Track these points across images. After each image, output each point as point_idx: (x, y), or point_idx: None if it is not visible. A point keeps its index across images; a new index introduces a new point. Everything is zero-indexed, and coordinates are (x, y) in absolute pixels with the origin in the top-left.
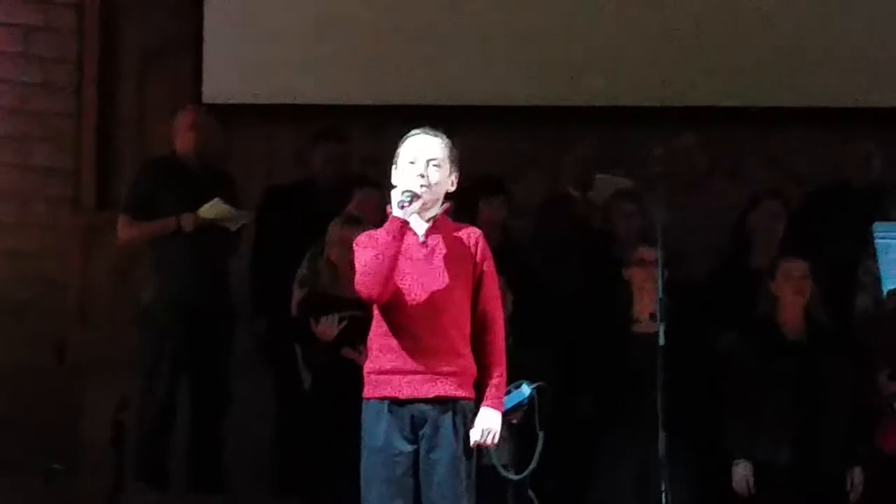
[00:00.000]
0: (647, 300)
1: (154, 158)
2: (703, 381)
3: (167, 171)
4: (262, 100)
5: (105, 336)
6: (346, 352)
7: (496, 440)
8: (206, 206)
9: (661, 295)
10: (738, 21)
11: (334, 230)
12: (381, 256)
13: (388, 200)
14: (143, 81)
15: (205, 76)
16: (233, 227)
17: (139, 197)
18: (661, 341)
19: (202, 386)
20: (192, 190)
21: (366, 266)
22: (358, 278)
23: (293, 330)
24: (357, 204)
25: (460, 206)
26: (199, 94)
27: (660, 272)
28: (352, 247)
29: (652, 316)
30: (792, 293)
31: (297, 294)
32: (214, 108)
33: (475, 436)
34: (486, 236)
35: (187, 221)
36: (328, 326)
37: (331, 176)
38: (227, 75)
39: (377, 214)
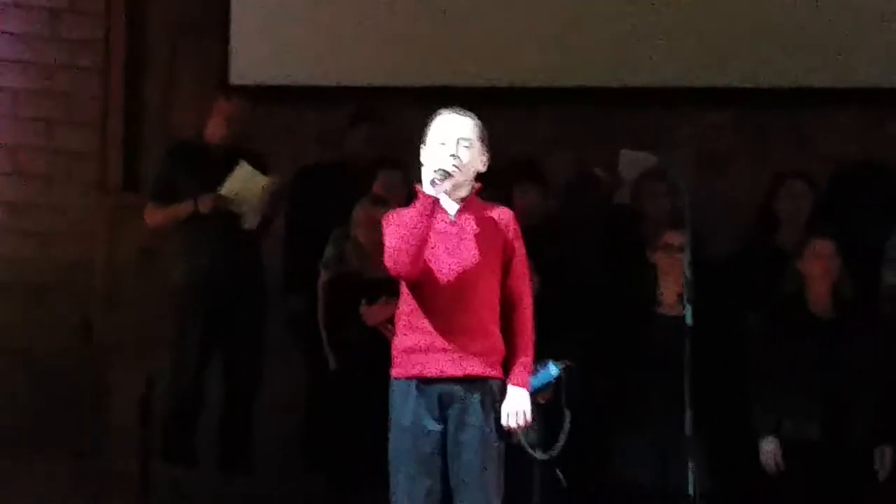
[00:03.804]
0: (673, 283)
1: (179, 143)
2: (730, 361)
3: (193, 156)
4: (290, 81)
5: (132, 318)
6: (383, 328)
7: (528, 420)
8: (232, 174)
9: (687, 277)
10: (762, 1)
11: (360, 210)
12: (411, 234)
13: (413, 181)
14: (170, 63)
15: (232, 58)
16: (255, 202)
17: (165, 182)
18: (689, 321)
19: (231, 366)
20: (218, 174)
21: (396, 243)
22: (387, 255)
23: (321, 310)
24: (382, 184)
25: (494, 188)
26: (226, 75)
27: (687, 254)
28: (378, 227)
29: (679, 297)
30: (820, 272)
31: (324, 275)
32: (241, 90)
33: (505, 420)
34: (519, 219)
35: (204, 203)
36: (380, 309)
37: (363, 157)
38: (255, 57)
39: (402, 195)
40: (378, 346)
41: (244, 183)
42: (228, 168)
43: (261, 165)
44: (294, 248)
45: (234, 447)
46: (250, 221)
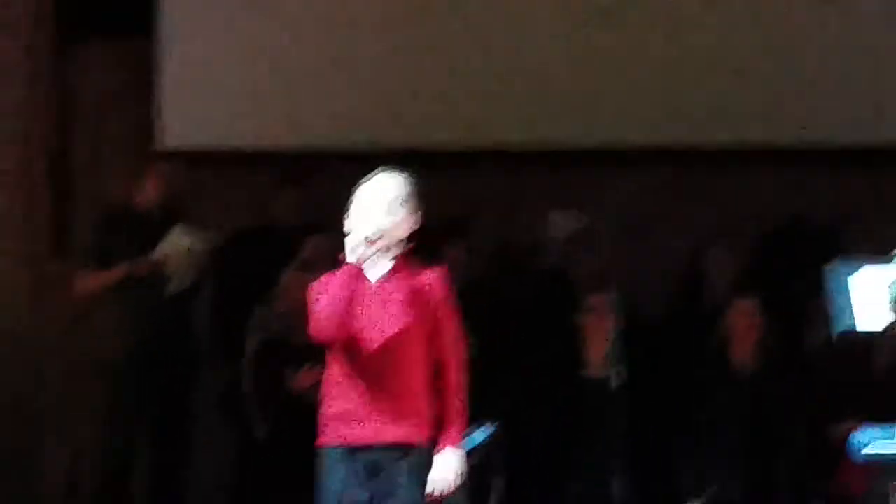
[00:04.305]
0: (598, 345)
1: (111, 209)
2: (656, 422)
3: (125, 222)
4: (218, 145)
5: (59, 391)
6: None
7: (458, 483)
8: (165, 239)
9: (612, 339)
10: (690, 60)
11: (288, 276)
12: (335, 301)
13: (342, 247)
14: (96, 129)
15: (159, 122)
16: (182, 270)
17: (97, 249)
18: (614, 385)
19: (160, 436)
20: (150, 239)
21: (320, 311)
22: (313, 324)
23: (247, 378)
24: (310, 249)
25: (425, 247)
26: (152, 140)
27: (613, 316)
28: (305, 294)
29: (605, 359)
30: (743, 330)
31: (251, 342)
32: (168, 154)
33: (433, 486)
34: (449, 279)
35: (139, 268)
36: (308, 376)
37: (291, 221)
38: (182, 121)
39: (330, 260)
40: (306, 414)
41: (174, 247)
42: (160, 233)
43: (190, 229)
44: (222, 315)
45: None
46: (177, 285)
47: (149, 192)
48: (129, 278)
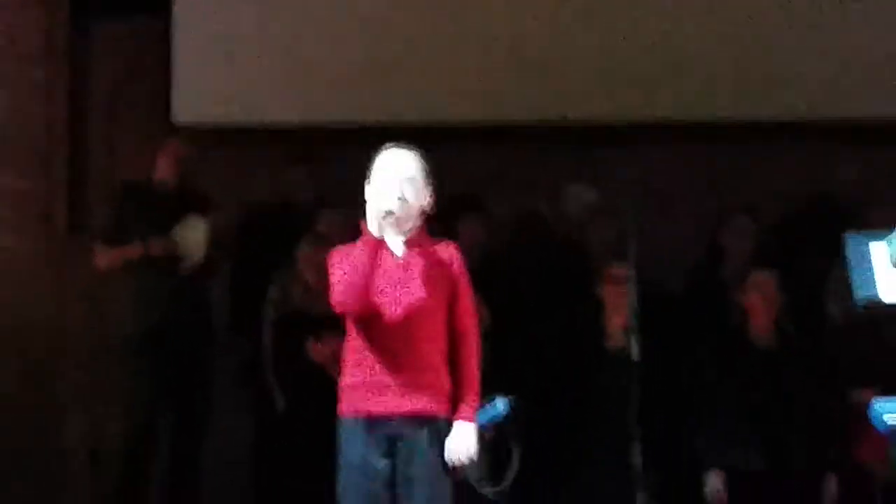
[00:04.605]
0: (619, 315)
1: (128, 184)
2: (675, 393)
3: (142, 197)
4: (233, 121)
5: (81, 364)
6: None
7: (472, 456)
8: (181, 225)
9: (633, 310)
10: (710, 34)
11: (303, 249)
12: (356, 271)
13: (357, 218)
14: (113, 104)
15: (175, 98)
16: (196, 256)
17: (114, 223)
18: (635, 355)
19: (179, 412)
20: (166, 214)
21: (341, 282)
22: (334, 294)
23: (266, 351)
24: (325, 223)
25: (438, 223)
26: (168, 115)
27: (631, 288)
28: (321, 266)
29: (625, 330)
30: (761, 304)
31: (268, 315)
32: (185, 130)
33: (449, 455)
34: (464, 253)
35: (155, 247)
36: (326, 347)
37: (305, 196)
38: (198, 96)
39: (345, 233)
40: (325, 385)
41: (189, 234)
42: (177, 208)
43: (206, 206)
44: (239, 289)
45: (185, 493)
46: (192, 265)
47: (164, 168)
48: (145, 256)
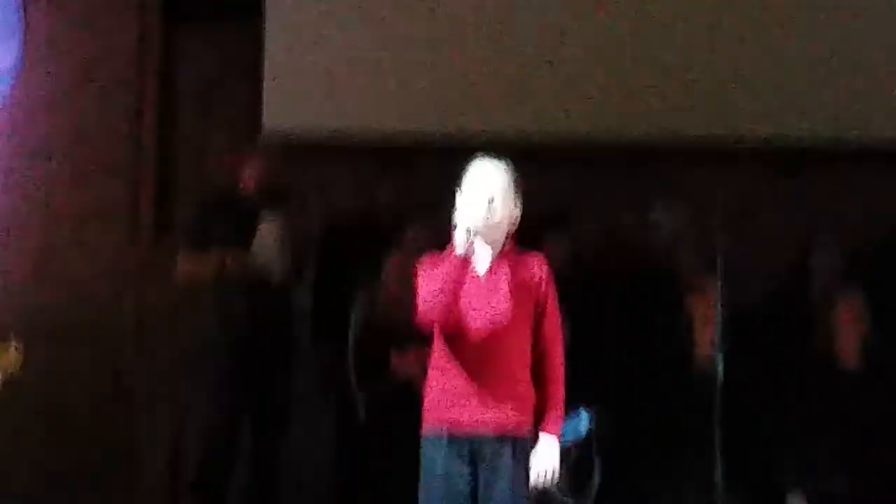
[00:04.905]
0: (707, 330)
1: (213, 193)
2: (760, 411)
3: (226, 206)
4: (322, 131)
5: (164, 364)
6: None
7: (556, 475)
8: (258, 233)
9: (720, 326)
10: (806, 57)
11: (391, 260)
12: (443, 287)
13: (445, 231)
14: (202, 110)
15: (265, 107)
16: (272, 257)
17: (199, 232)
18: (720, 371)
19: (261, 418)
20: (251, 224)
21: (427, 298)
22: (420, 308)
23: (352, 360)
24: (414, 233)
25: (525, 237)
26: (258, 124)
27: (719, 303)
28: (409, 278)
29: (712, 345)
30: (850, 326)
31: (355, 326)
32: (274, 139)
33: (534, 477)
34: (552, 268)
35: (237, 259)
36: (411, 361)
37: (394, 207)
38: (288, 106)
39: (433, 245)
40: (409, 397)
41: (269, 238)
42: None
43: (288, 216)
44: (325, 299)
45: (265, 496)
46: (273, 274)
47: (249, 178)
48: (227, 267)
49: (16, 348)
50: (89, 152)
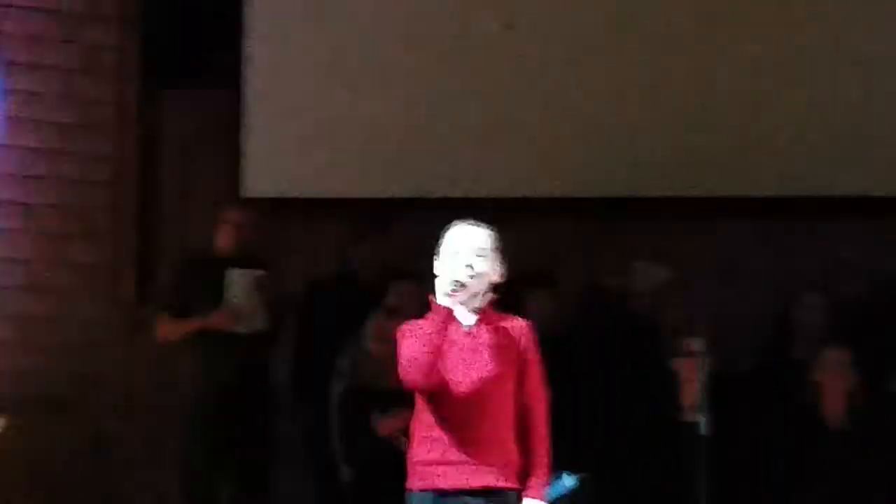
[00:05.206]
0: (692, 390)
1: (189, 255)
2: (746, 469)
3: (203, 268)
4: (302, 193)
5: (146, 431)
6: (395, 439)
7: None
8: (230, 283)
9: (703, 385)
10: (781, 112)
11: (374, 322)
12: (426, 346)
13: (426, 291)
14: (182, 177)
15: (244, 171)
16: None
17: (176, 295)
18: (704, 431)
19: (241, 480)
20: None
21: (410, 356)
22: (402, 368)
23: (335, 423)
24: (396, 296)
25: (507, 298)
26: (237, 188)
27: (701, 362)
28: (391, 338)
29: (695, 405)
30: (834, 381)
31: (337, 386)
32: (254, 202)
33: None
34: (534, 328)
35: (217, 319)
36: (392, 420)
37: (372, 268)
38: (267, 170)
39: (415, 306)
40: (392, 458)
41: (242, 286)
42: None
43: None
44: (305, 361)
45: None
46: (250, 326)
47: (224, 238)
48: (205, 329)
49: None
50: (69, 219)
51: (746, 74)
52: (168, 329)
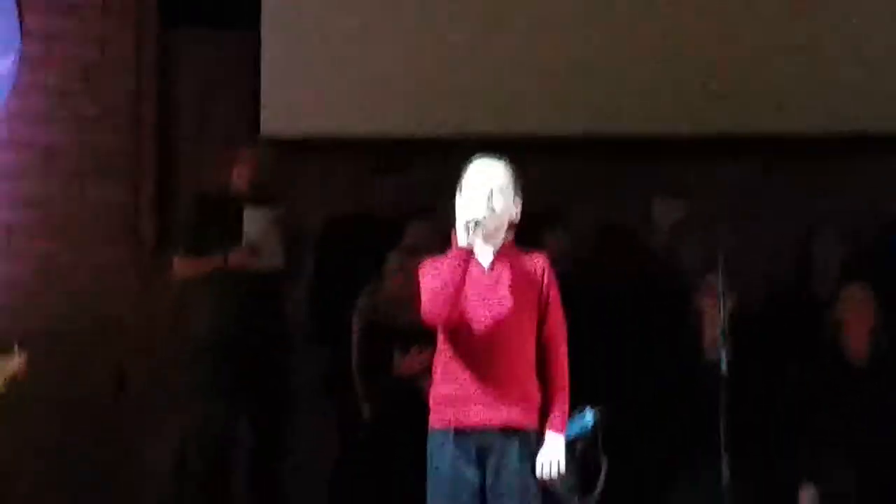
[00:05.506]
0: (713, 328)
1: (207, 195)
2: (767, 407)
3: (220, 207)
4: (321, 132)
5: (165, 369)
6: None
7: (561, 469)
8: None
9: (723, 322)
10: (800, 47)
11: (392, 260)
12: (446, 282)
13: (445, 229)
14: (201, 116)
15: (263, 110)
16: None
17: (193, 234)
18: (724, 369)
19: (260, 419)
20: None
21: (431, 293)
22: (424, 305)
23: (355, 361)
24: (414, 234)
25: (526, 236)
26: (257, 127)
27: (721, 300)
28: (410, 277)
29: (716, 342)
30: (855, 318)
31: (357, 325)
32: (272, 141)
33: (539, 470)
34: (553, 265)
35: (236, 260)
36: (414, 359)
37: (393, 207)
38: (286, 109)
39: (433, 244)
40: (413, 396)
41: (260, 225)
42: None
43: (282, 214)
44: (323, 300)
45: (267, 499)
46: (270, 263)
47: (242, 177)
48: (223, 268)
49: (19, 354)
50: (88, 160)
51: (763, 9)
52: (186, 268)
